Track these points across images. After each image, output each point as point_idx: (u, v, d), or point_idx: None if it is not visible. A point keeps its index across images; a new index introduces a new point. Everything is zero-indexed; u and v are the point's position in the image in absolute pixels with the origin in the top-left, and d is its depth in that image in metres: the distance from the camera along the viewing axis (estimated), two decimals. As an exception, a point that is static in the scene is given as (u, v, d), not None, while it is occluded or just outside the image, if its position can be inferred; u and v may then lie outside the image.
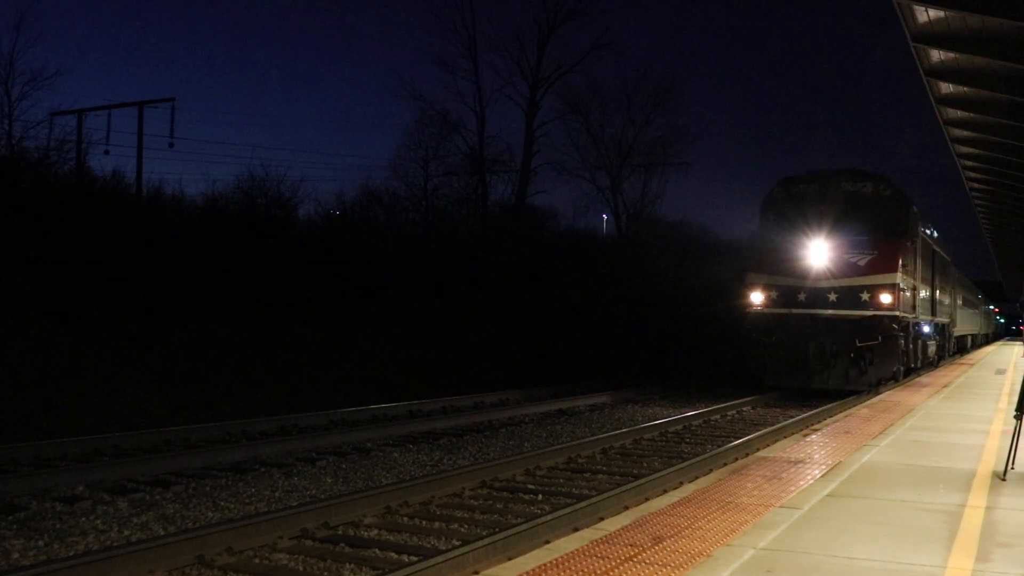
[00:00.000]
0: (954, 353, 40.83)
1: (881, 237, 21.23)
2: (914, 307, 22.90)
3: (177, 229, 24.65)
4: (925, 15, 14.04)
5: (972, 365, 35.04)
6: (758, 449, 11.33)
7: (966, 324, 48.70)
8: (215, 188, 34.21)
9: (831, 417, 15.65)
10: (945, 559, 5.86)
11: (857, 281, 20.73)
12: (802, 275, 20.96)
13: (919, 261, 23.84)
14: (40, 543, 7.78)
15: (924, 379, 25.00)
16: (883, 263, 20.79)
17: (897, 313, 20.65)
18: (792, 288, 21.12)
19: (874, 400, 17.59)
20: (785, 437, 12.14)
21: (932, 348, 28.20)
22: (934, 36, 14.78)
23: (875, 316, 20.58)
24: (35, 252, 19.47)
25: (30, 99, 30.13)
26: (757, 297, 21.38)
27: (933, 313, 28.00)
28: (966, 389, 21.26)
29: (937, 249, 30.23)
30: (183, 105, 72.15)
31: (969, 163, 25.71)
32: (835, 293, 20.74)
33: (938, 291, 29.67)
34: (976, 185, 30.02)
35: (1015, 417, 9.14)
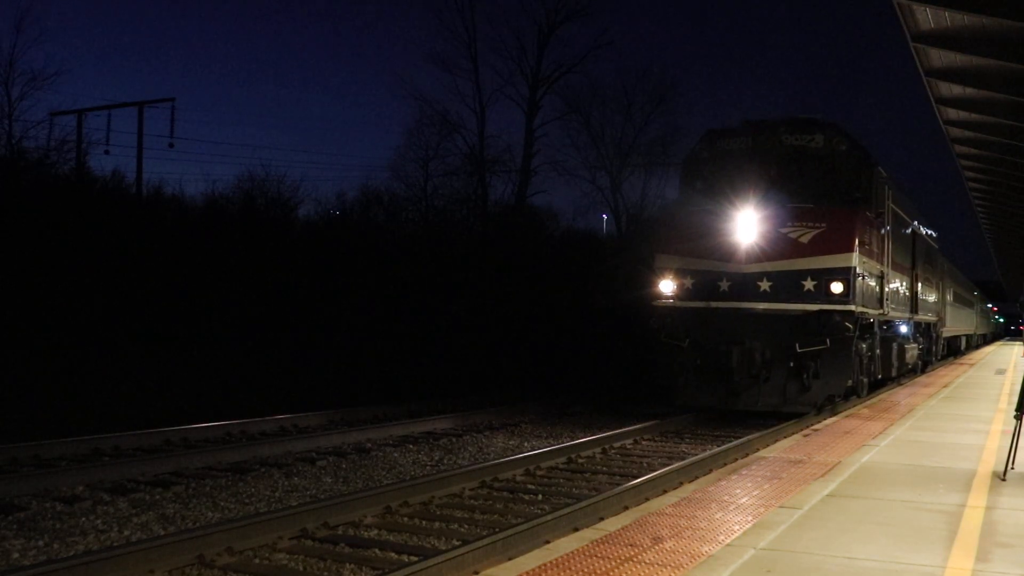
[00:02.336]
0: (945, 356, 36.72)
1: (832, 205, 15.57)
2: (881, 300, 17.46)
3: (178, 229, 24.64)
4: (925, 15, 14.03)
5: (972, 365, 35.03)
6: (758, 449, 11.33)
7: (958, 323, 42.92)
8: (215, 188, 34.21)
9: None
10: (945, 559, 5.86)
11: (798, 264, 15.07)
12: (725, 256, 15.33)
13: (889, 242, 18.27)
14: (40, 543, 7.78)
15: (924, 379, 24.97)
16: (834, 239, 15.15)
17: (853, 307, 15.03)
18: (712, 274, 15.49)
19: (874, 400, 17.58)
20: (786, 437, 12.13)
21: (912, 353, 22.55)
22: (934, 36, 14.78)
23: (822, 312, 14.94)
24: (35, 252, 19.46)
25: (30, 99, 30.07)
26: (667, 286, 15.85)
27: (913, 310, 22.67)
28: (966, 389, 21.25)
29: (919, 232, 25.00)
30: (183, 105, 72.14)
31: (969, 163, 25.69)
32: (768, 281, 15.14)
33: (921, 283, 24.22)
34: (976, 185, 30.00)
35: (1015, 417, 9.14)
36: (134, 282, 20.92)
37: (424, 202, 39.15)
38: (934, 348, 29.82)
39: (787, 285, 15.14)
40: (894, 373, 20.05)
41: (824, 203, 15.53)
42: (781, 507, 7.27)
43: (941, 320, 31.17)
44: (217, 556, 7.29)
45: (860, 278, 15.46)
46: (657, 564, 5.62)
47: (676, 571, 5.49)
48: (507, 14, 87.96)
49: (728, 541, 6.18)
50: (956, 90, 17.62)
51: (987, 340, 77.43)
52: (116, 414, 14.92)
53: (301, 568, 7.36)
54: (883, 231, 17.78)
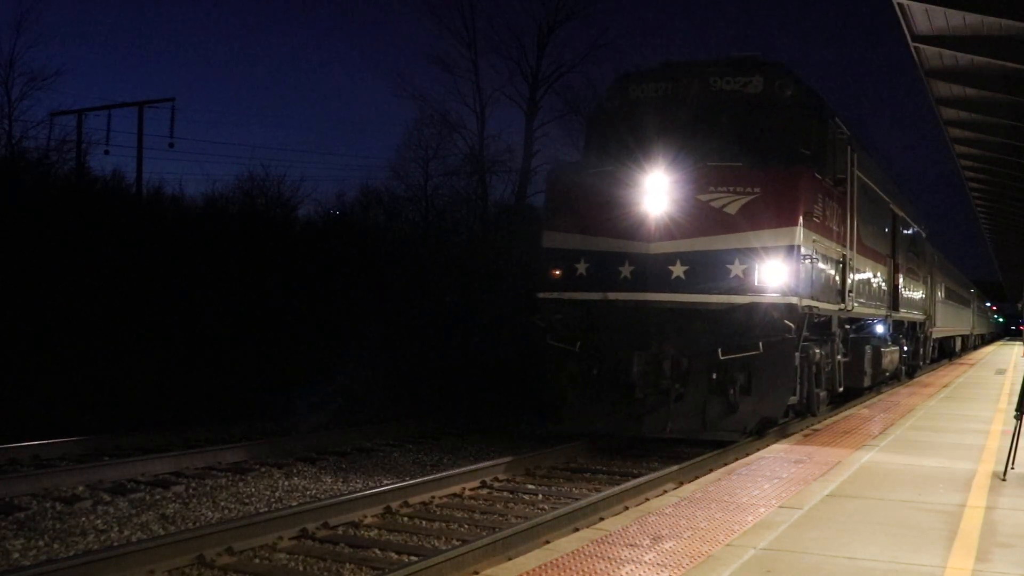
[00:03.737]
0: (936, 359, 33.48)
1: (771, 165, 11.65)
2: (842, 292, 13.85)
3: (178, 229, 24.64)
4: (925, 15, 14.04)
5: (971, 365, 35.03)
6: (758, 449, 11.33)
7: (952, 322, 38.62)
8: (215, 188, 34.22)
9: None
10: (945, 559, 5.86)
11: (722, 242, 11.37)
12: (628, 233, 11.57)
13: (855, 219, 14.60)
14: (40, 543, 7.78)
15: (924, 379, 24.96)
16: (771, 209, 11.40)
17: (795, 300, 11.33)
18: (610, 257, 11.70)
19: (874, 400, 17.58)
20: (786, 437, 12.14)
21: (891, 357, 18.76)
22: (934, 36, 14.79)
23: (754, 305, 11.24)
24: (35, 252, 19.47)
25: (30, 99, 30.09)
26: (555, 273, 12.13)
27: (893, 306, 19.14)
28: (966, 389, 21.26)
29: (900, 212, 20.61)
30: (183, 105, 72.04)
31: (969, 163, 25.70)
32: (683, 264, 11.34)
33: (903, 275, 20.54)
34: (976, 185, 30.00)
35: (1015, 417, 9.16)
36: (134, 282, 20.90)
37: (424, 202, 39.15)
38: (922, 351, 26.33)
39: (708, 270, 11.27)
40: (867, 383, 16.25)
41: (759, 162, 11.58)
42: (781, 507, 7.28)
43: (930, 319, 27.19)
44: (217, 556, 7.30)
45: (808, 261, 11.66)
46: (657, 564, 5.62)
47: (676, 571, 5.49)
48: (507, 14, 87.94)
49: (728, 541, 6.18)
50: (956, 90, 17.62)
51: (986, 340, 76.30)
52: (116, 414, 14.92)
53: (301, 568, 7.36)
54: (846, 204, 13.95)
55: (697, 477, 9.24)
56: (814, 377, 12.98)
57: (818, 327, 13.06)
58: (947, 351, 38.42)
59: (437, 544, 8.03)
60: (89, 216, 22.25)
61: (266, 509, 9.16)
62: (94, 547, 7.68)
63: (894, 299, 19.45)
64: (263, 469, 11.39)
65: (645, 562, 5.67)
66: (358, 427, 14.52)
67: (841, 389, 14.56)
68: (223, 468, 11.30)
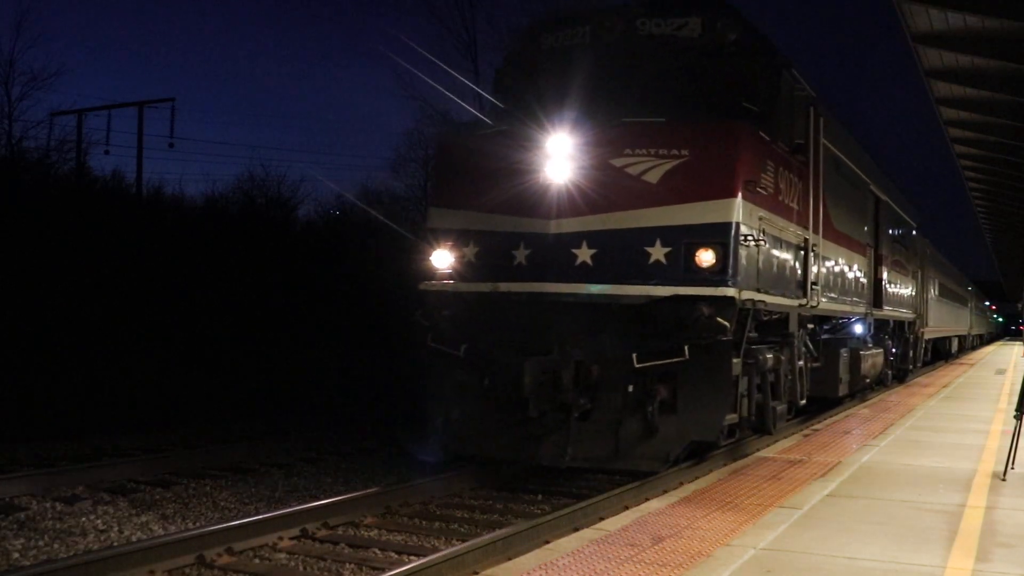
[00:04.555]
0: (930, 361, 31.44)
1: (704, 121, 9.59)
2: (804, 284, 11.47)
3: (178, 228, 24.64)
4: (925, 15, 14.06)
5: (971, 365, 35.04)
6: (758, 449, 11.33)
7: (947, 322, 36.01)
8: (215, 188, 34.21)
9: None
10: (945, 559, 5.87)
11: (640, 218, 9.20)
12: (525, 209, 9.43)
13: (821, 197, 12.20)
14: (40, 543, 7.78)
15: (924, 379, 24.96)
16: (704, 176, 9.22)
17: (732, 292, 8.99)
18: (504, 238, 9.57)
19: (874, 400, 17.58)
20: (785, 437, 12.14)
21: (873, 361, 16.53)
22: (934, 36, 14.81)
23: (678, 299, 9.00)
24: (35, 252, 19.48)
25: (30, 99, 30.05)
26: (441, 259, 9.92)
27: (875, 303, 16.89)
28: (966, 389, 21.27)
29: (884, 197, 18.08)
30: (183, 105, 72.12)
31: (969, 163, 25.73)
32: (591, 247, 9.25)
33: (888, 268, 18.33)
34: (976, 185, 30.04)
35: (1015, 417, 9.16)
36: (134, 282, 20.91)
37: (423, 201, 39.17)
38: (912, 353, 23.80)
39: (621, 254, 9.13)
40: (843, 391, 14.23)
41: (688, 119, 9.54)
42: (781, 507, 7.28)
43: (921, 318, 24.94)
44: (217, 556, 7.29)
45: (751, 243, 9.35)
46: (657, 564, 5.62)
47: (676, 571, 5.49)
48: (507, 14, 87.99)
49: (728, 541, 6.19)
50: (956, 90, 17.65)
51: (985, 341, 75.37)
52: (116, 414, 14.93)
53: (301, 568, 7.36)
54: (807, 177, 11.59)
55: (697, 477, 9.24)
56: (770, 387, 10.54)
57: (771, 327, 10.87)
58: (942, 353, 36.00)
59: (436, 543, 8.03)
60: (89, 216, 22.26)
61: (266, 509, 9.16)
62: (94, 547, 7.68)
63: (876, 295, 17.12)
64: (263, 469, 11.38)
65: (645, 562, 5.67)
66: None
67: (803, 402, 11.87)
68: (223, 468, 11.29)
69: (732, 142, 9.37)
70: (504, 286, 9.47)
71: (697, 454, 10.34)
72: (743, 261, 9.23)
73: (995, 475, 8.92)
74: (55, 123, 29.52)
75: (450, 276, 9.87)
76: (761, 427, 10.89)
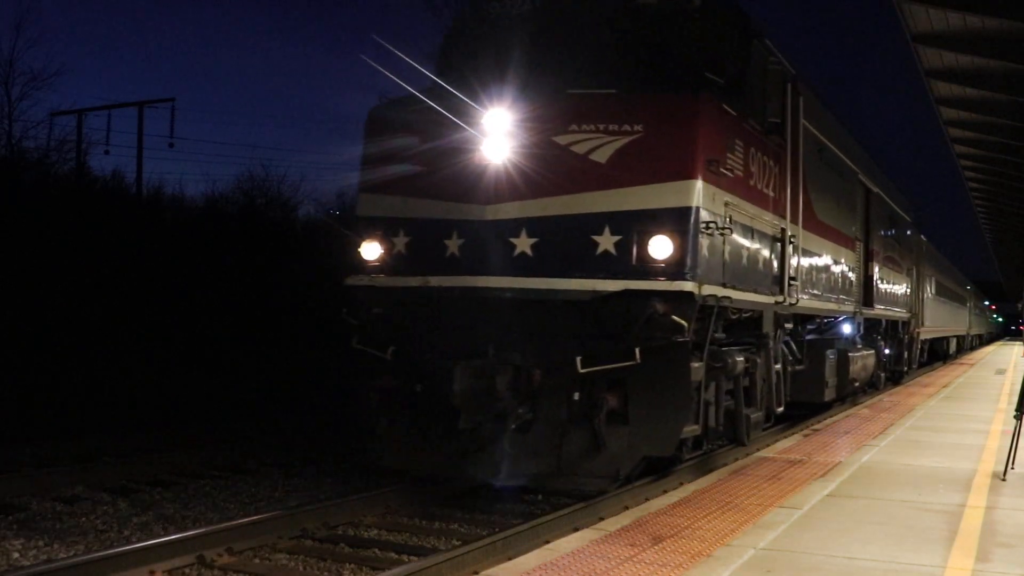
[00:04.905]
0: (927, 363, 30.39)
1: (660, 93, 8.52)
2: (782, 280, 10.47)
3: (178, 229, 24.63)
4: (925, 15, 14.07)
5: (971, 365, 35.05)
6: (758, 449, 11.33)
7: (944, 322, 34.57)
8: (215, 188, 34.19)
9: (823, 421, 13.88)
10: (945, 559, 5.87)
11: (587, 203, 8.22)
12: (459, 193, 8.49)
13: (801, 183, 11.14)
14: (40, 543, 7.78)
15: (924, 379, 24.97)
16: (659, 155, 8.16)
17: (691, 287, 7.94)
18: (435, 226, 8.62)
19: (873, 400, 17.58)
20: (785, 437, 12.14)
21: (863, 363, 15.30)
22: (934, 36, 14.82)
23: (629, 295, 8.04)
24: (35, 252, 19.48)
25: (30, 99, 30.05)
26: (370, 251, 8.95)
27: (866, 301, 15.91)
28: (966, 389, 21.28)
29: (875, 189, 17.07)
30: (183, 105, 72.10)
31: (969, 163, 25.75)
32: (531, 235, 8.28)
33: (880, 265, 17.41)
34: (976, 185, 30.06)
35: (1015, 417, 9.17)
36: (134, 282, 20.91)
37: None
38: (907, 354, 22.56)
39: (565, 243, 8.14)
40: (829, 396, 13.21)
41: (640, 89, 8.45)
42: (781, 507, 7.28)
43: (916, 317, 23.86)
44: (217, 556, 7.29)
45: (715, 231, 8.32)
46: (657, 564, 5.62)
47: (676, 571, 5.49)
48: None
49: (728, 541, 6.19)
50: (956, 90, 17.67)
51: (984, 341, 75.16)
52: (116, 414, 14.92)
53: (301, 568, 7.36)
54: (785, 161, 10.59)
55: (697, 477, 9.24)
56: (742, 393, 9.50)
57: (743, 326, 9.85)
58: (940, 354, 34.96)
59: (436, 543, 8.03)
60: (89, 216, 22.25)
61: (266, 509, 9.16)
62: (94, 547, 7.68)
63: (867, 293, 16.08)
64: (263, 469, 11.38)
65: (645, 562, 5.67)
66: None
67: (780, 409, 10.78)
68: (223, 468, 11.29)
69: (692, 116, 8.22)
70: (435, 280, 8.50)
71: (658, 469, 9.43)
72: (704, 252, 8.14)
73: (995, 475, 8.92)
74: (55, 123, 29.54)
75: (379, 270, 8.83)
76: (733, 437, 9.77)
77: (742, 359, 9.31)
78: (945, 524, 6.84)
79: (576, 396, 8.13)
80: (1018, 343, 63.72)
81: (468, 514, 9.18)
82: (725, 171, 8.55)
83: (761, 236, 9.88)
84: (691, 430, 8.35)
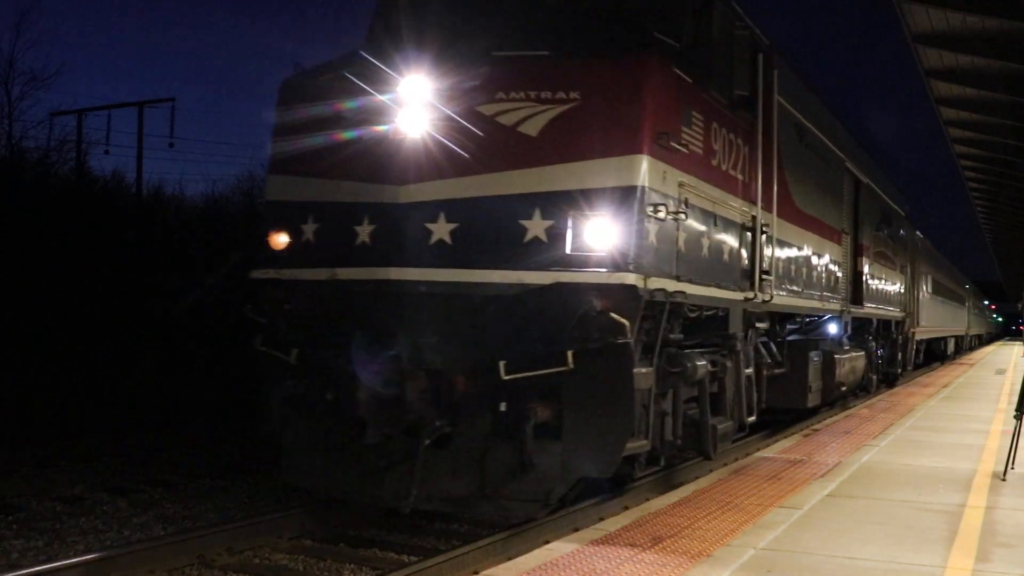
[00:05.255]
0: (923, 364, 29.43)
1: (600, 54, 7.39)
2: (752, 274, 9.43)
3: (178, 228, 24.63)
4: (925, 15, 14.07)
5: (971, 365, 35.05)
6: (758, 449, 11.33)
7: (942, 321, 33.32)
8: (215, 188, 34.15)
9: (824, 421, 14.55)
10: (945, 559, 5.87)
11: (515, 183, 7.14)
12: (370, 173, 7.44)
13: (778, 166, 10.22)
14: (40, 543, 7.78)
15: (924, 379, 24.97)
16: (598, 127, 7.08)
17: (634, 279, 6.84)
18: (345, 211, 7.57)
19: (873, 400, 17.58)
20: (785, 437, 12.14)
21: (850, 366, 14.24)
22: (934, 36, 14.82)
23: (561, 288, 6.93)
24: (35, 252, 19.48)
25: (30, 99, 30.08)
26: (279, 241, 8.00)
27: (854, 299, 15.00)
28: (966, 389, 21.27)
29: (864, 179, 15.96)
30: (183, 105, 72.02)
31: (969, 163, 25.76)
32: (450, 220, 7.22)
33: (870, 260, 16.34)
34: (976, 185, 30.08)
35: (1015, 417, 9.17)
36: (134, 282, 20.92)
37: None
38: (901, 355, 21.43)
39: (490, 229, 7.11)
40: (813, 401, 12.25)
41: (583, 50, 7.47)
42: (781, 507, 7.28)
43: (911, 317, 22.82)
44: (217, 556, 7.30)
45: (666, 216, 7.24)
46: (657, 564, 5.62)
47: (676, 571, 5.49)
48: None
49: (728, 541, 6.19)
50: (956, 90, 17.67)
51: (983, 341, 74.69)
52: (116, 414, 14.93)
53: (301, 568, 7.36)
54: (755, 140, 9.47)
55: (697, 477, 9.24)
56: (708, 401, 8.37)
57: (707, 326, 8.72)
58: (937, 354, 33.93)
59: (436, 544, 8.03)
60: (89, 216, 22.26)
61: (266, 509, 9.16)
62: (94, 547, 7.68)
63: (856, 290, 15.12)
64: (263, 469, 11.38)
65: (645, 562, 5.67)
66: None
67: (752, 419, 9.68)
68: (223, 468, 11.29)
69: (638, 81, 7.12)
70: (343, 273, 7.43)
71: (604, 490, 8.45)
72: (652, 239, 7.09)
73: (995, 475, 8.92)
74: (55, 123, 29.55)
75: (288, 261, 7.79)
76: (698, 449, 8.59)
77: (705, 363, 8.06)
78: (945, 524, 6.84)
79: (503, 407, 6.97)
80: (1018, 343, 63.74)
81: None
82: (678, 147, 7.44)
83: (726, 224, 8.73)
84: (637, 446, 7.25)
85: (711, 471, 10.11)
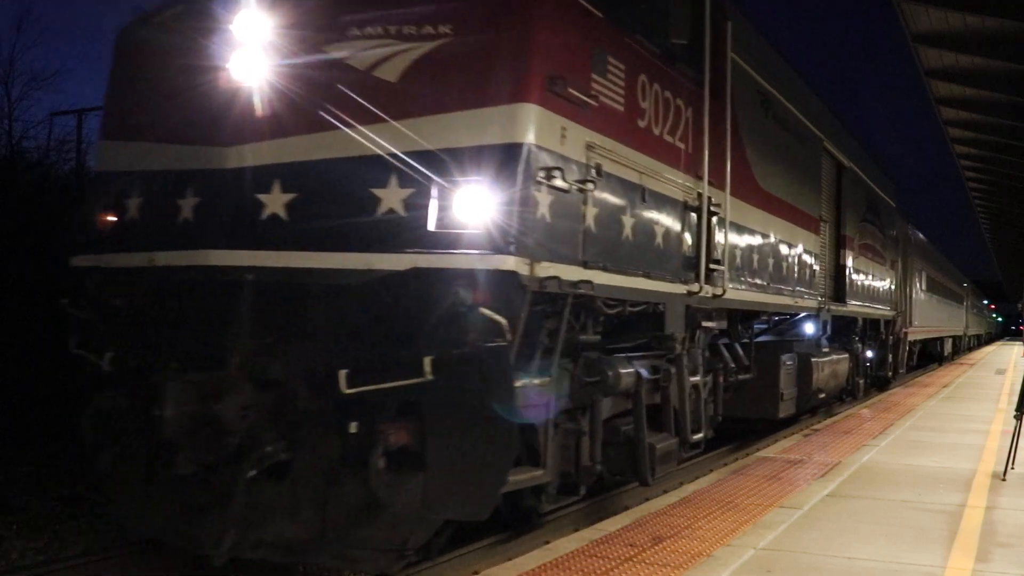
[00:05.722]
0: (918, 366, 28.27)
1: None
2: (699, 263, 7.85)
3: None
4: (925, 15, 14.07)
5: (971, 365, 35.05)
6: (758, 449, 11.33)
7: (937, 320, 31.62)
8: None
9: (824, 422, 14.93)
10: (945, 559, 5.87)
11: (367, 142, 5.45)
12: (191, 133, 5.88)
13: (724, 131, 8.42)
14: (39, 543, 7.77)
15: (924, 379, 24.96)
16: (471, 69, 5.50)
17: (511, 263, 5.26)
18: (169, 182, 5.97)
19: (873, 400, 17.58)
20: (785, 437, 12.14)
21: (831, 370, 13.05)
22: (934, 36, 14.82)
23: (419, 274, 5.30)
24: (35, 252, 19.49)
25: (30, 99, 30.06)
26: (102, 220, 6.38)
27: (836, 295, 13.71)
28: (965, 389, 21.28)
29: (848, 163, 14.50)
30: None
31: (969, 163, 25.77)
32: (287, 190, 5.60)
33: (853, 252, 14.84)
34: (976, 185, 30.10)
35: (1015, 417, 9.18)
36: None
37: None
38: (892, 357, 19.90)
39: (335, 201, 5.64)
40: (786, 411, 11.13)
41: None
42: (781, 507, 7.28)
43: (903, 316, 21.47)
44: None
45: (569, 185, 5.79)
46: (657, 564, 5.62)
47: (676, 571, 5.49)
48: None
49: (728, 541, 6.18)
50: (956, 90, 17.67)
51: (983, 342, 74.41)
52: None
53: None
54: (702, 104, 7.85)
55: (697, 477, 9.24)
56: (643, 416, 6.82)
57: (633, 325, 7.23)
58: (934, 356, 32.74)
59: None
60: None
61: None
62: (94, 547, 7.67)
63: (838, 285, 13.84)
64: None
65: (645, 562, 5.67)
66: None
67: (698, 436, 7.97)
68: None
69: (526, 8, 5.66)
70: (162, 257, 5.96)
71: (510, 526, 7.24)
72: (544, 213, 5.53)
73: (995, 475, 8.92)
74: (55, 123, 29.55)
75: (110, 245, 6.34)
76: (632, 473, 6.92)
77: (633, 370, 6.63)
78: (945, 524, 6.84)
79: (353, 427, 5.45)
80: (1018, 343, 63.77)
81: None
82: (586, 98, 5.96)
83: (661, 201, 7.14)
84: (526, 478, 5.87)
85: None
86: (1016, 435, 9.08)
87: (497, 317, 5.23)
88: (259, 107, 5.66)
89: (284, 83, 5.65)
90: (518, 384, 5.46)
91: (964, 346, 49.23)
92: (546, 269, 5.51)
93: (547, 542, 7.02)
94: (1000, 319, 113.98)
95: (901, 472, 9.11)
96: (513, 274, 5.28)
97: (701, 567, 5.57)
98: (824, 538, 6.33)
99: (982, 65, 15.65)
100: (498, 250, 5.28)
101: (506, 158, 5.35)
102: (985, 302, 79.18)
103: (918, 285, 25.59)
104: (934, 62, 16.23)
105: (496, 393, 5.39)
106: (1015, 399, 9.48)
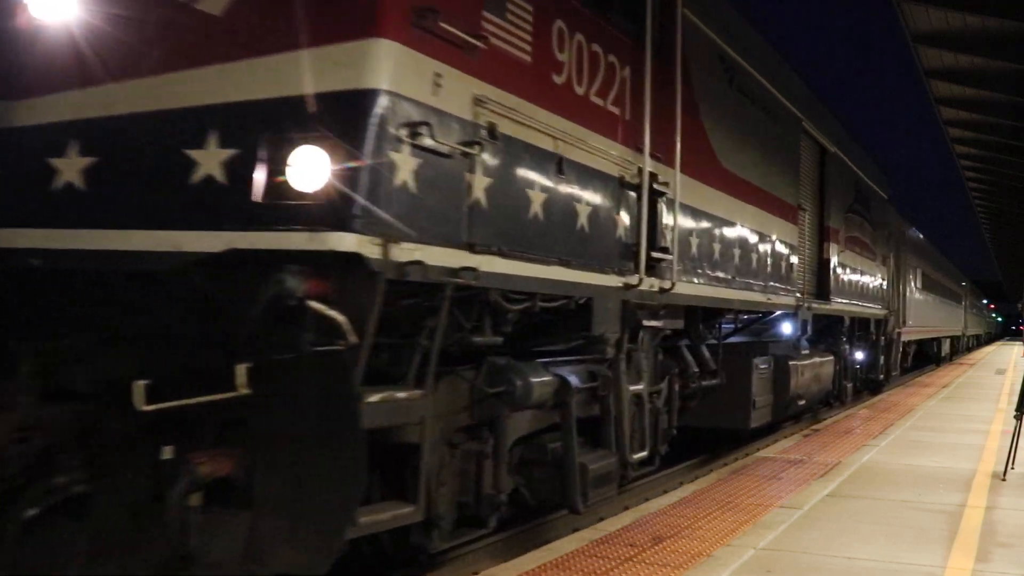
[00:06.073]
0: (914, 367, 27.39)
1: None
2: (638, 251, 6.60)
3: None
4: (926, 15, 14.08)
5: (971, 365, 35.06)
6: (758, 449, 11.33)
7: (934, 320, 30.41)
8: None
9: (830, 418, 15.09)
10: (945, 559, 5.87)
11: (182, 92, 4.33)
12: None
13: (675, 98, 7.12)
14: (40, 543, 7.76)
15: (924, 379, 24.98)
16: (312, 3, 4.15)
17: (351, 242, 4.02)
18: None
19: (873, 400, 17.58)
20: (785, 437, 12.14)
21: (813, 374, 12.17)
22: (934, 36, 14.83)
23: (241, 259, 4.11)
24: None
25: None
26: None
27: (819, 293, 12.70)
28: (965, 389, 21.29)
29: (832, 148, 13.32)
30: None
31: (969, 163, 25.79)
32: (87, 153, 4.47)
33: (838, 245, 13.76)
34: (976, 185, 30.12)
35: (1015, 417, 9.18)
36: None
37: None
38: (884, 359, 18.82)
39: (142, 166, 4.43)
40: (758, 420, 10.23)
41: None
42: (781, 507, 7.28)
43: (896, 315, 20.19)
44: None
45: (438, 145, 4.48)
46: (657, 564, 5.62)
47: (676, 571, 5.49)
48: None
49: (728, 541, 6.18)
50: (956, 90, 17.68)
51: (982, 341, 74.25)
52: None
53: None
54: (643, 63, 6.64)
55: (697, 477, 9.24)
56: (573, 432, 5.95)
57: (557, 323, 6.26)
58: (931, 357, 31.76)
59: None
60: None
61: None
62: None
63: (821, 281, 12.77)
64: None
65: (645, 562, 5.67)
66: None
67: (643, 455, 7.11)
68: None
69: None
70: None
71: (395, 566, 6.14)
72: (406, 180, 4.37)
73: (995, 475, 8.92)
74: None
75: None
76: (561, 501, 6.09)
77: (549, 379, 5.71)
78: (945, 524, 6.84)
79: (167, 453, 4.25)
80: (1018, 343, 63.80)
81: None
82: (472, 39, 4.76)
83: (586, 174, 6.01)
84: (385, 519, 4.68)
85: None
86: (1016, 435, 9.08)
87: (332, 313, 4.11)
88: (56, 50, 4.61)
89: (87, 20, 4.59)
90: (373, 399, 4.31)
91: (963, 346, 48.89)
92: (408, 252, 4.31)
93: (547, 542, 7.02)
94: (1000, 319, 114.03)
95: (901, 472, 9.12)
96: (357, 257, 4.09)
97: (701, 567, 5.57)
98: (824, 538, 6.33)
99: (982, 65, 15.67)
100: (335, 226, 4.07)
101: (353, 109, 4.18)
102: (985, 302, 79.21)
103: (913, 283, 24.41)
104: (934, 62, 16.24)
105: (332, 410, 4.20)
106: (1015, 399, 9.48)
